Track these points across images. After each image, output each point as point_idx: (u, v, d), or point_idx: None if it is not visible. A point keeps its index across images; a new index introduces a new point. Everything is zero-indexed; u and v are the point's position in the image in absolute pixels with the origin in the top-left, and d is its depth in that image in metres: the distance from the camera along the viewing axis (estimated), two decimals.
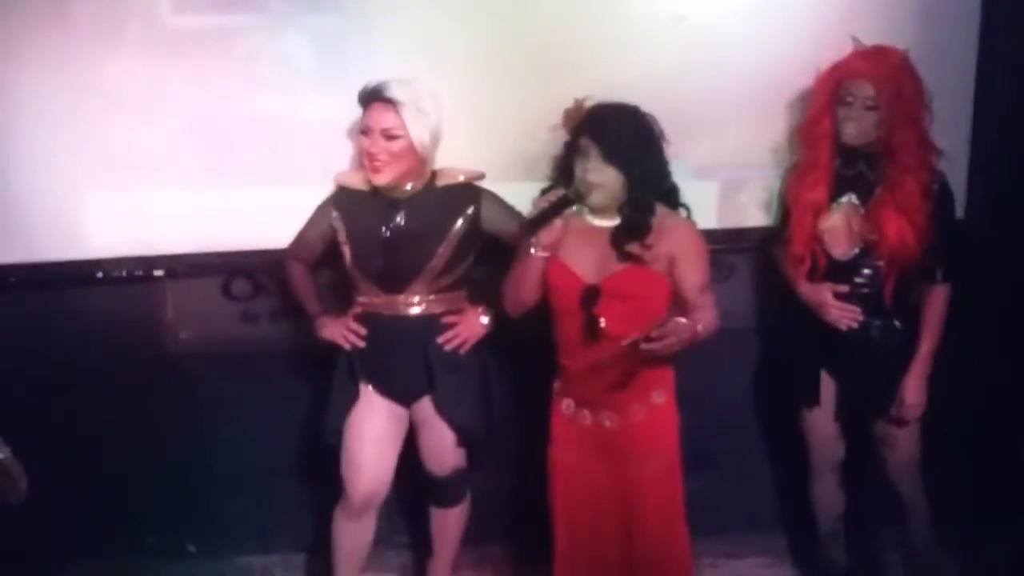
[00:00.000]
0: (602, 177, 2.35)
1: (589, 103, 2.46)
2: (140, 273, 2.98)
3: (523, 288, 2.46)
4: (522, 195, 2.68)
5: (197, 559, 3.32)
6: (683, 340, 2.22)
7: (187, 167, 2.90)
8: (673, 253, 2.38)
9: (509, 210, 2.69)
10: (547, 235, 2.37)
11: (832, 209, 2.66)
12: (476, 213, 2.66)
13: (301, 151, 2.87)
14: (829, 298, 2.66)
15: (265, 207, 2.91)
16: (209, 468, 3.15)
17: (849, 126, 2.56)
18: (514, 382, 3.03)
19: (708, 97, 2.89)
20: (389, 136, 2.55)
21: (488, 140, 2.86)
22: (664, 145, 2.42)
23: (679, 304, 2.38)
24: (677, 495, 2.55)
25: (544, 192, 2.48)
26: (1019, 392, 3.01)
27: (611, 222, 2.41)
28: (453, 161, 2.73)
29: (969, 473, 3.07)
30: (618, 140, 2.33)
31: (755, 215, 3.02)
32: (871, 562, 3.14)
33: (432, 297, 2.69)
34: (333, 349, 2.76)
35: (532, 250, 2.39)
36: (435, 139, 2.62)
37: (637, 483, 2.48)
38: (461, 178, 2.69)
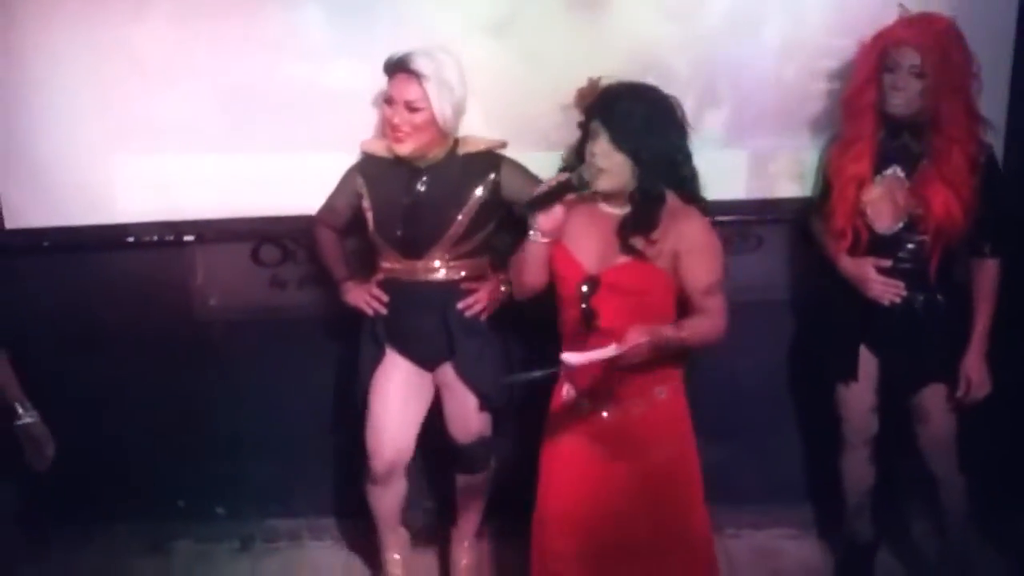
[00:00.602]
0: (610, 163, 2.21)
1: (605, 82, 2.34)
2: (170, 238, 3.00)
3: (525, 273, 2.38)
4: (549, 165, 2.64)
5: (225, 522, 3.37)
6: (660, 351, 2.17)
7: (217, 133, 2.91)
8: (679, 249, 2.25)
9: (531, 179, 2.67)
10: (546, 220, 2.26)
11: (876, 182, 2.60)
12: (496, 181, 2.67)
13: (330, 117, 2.87)
14: (872, 273, 2.61)
15: (294, 173, 2.92)
16: (237, 432, 3.18)
17: (894, 95, 2.49)
18: (539, 352, 3.02)
19: (739, 65, 2.86)
20: (412, 108, 2.57)
21: (517, 109, 2.84)
22: (684, 131, 2.28)
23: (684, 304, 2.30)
24: (692, 485, 2.45)
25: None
26: None
27: (621, 210, 2.29)
28: (482, 128, 2.73)
29: (1006, 452, 3.03)
30: (629, 124, 2.19)
31: (785, 186, 2.98)
32: (897, 536, 3.14)
33: (453, 263, 2.70)
34: (358, 315, 2.78)
35: (532, 235, 2.30)
36: (458, 112, 2.63)
37: (641, 474, 2.38)
38: (483, 146, 2.70)
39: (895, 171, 2.59)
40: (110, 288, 3.06)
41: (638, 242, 2.24)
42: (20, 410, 2.38)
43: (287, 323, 3.12)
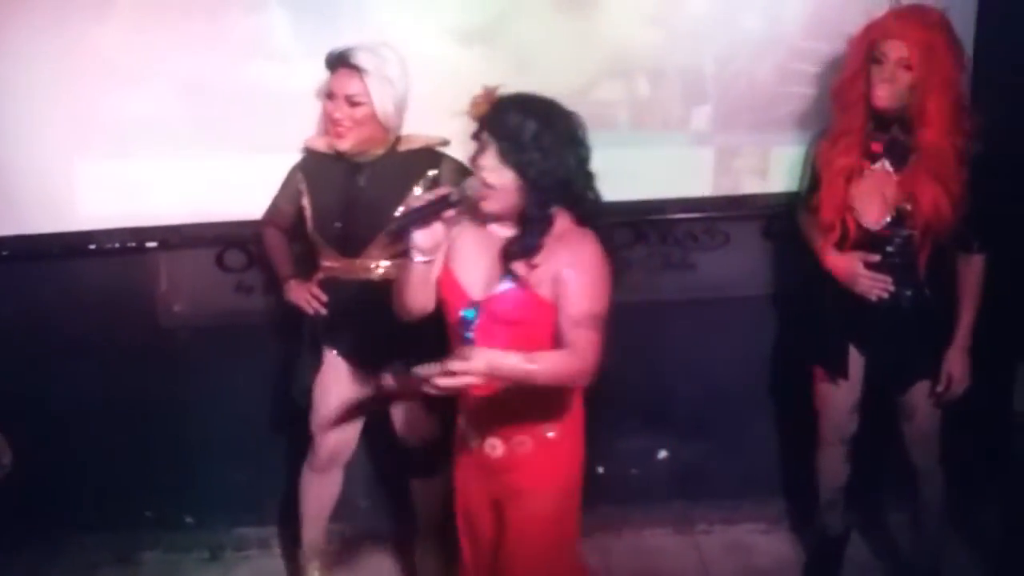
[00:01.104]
0: (499, 179, 2.01)
1: (502, 92, 2.08)
2: (133, 244, 2.96)
3: (406, 294, 2.15)
4: None
5: (195, 531, 3.33)
6: (502, 378, 1.94)
7: (180, 137, 2.87)
8: (559, 274, 2.02)
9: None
10: (424, 239, 2.04)
11: (864, 176, 2.58)
12: (435, 178, 2.64)
13: (295, 120, 2.83)
14: (860, 268, 2.58)
15: (259, 177, 2.86)
16: (205, 440, 3.15)
17: (881, 88, 2.45)
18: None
19: (711, 61, 2.89)
20: (352, 103, 2.56)
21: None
22: (580, 148, 2.06)
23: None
24: (563, 540, 2.29)
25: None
26: None
27: (510, 231, 2.10)
28: (436, 131, 2.71)
29: (976, 443, 3.06)
30: (519, 138, 1.98)
31: (751, 183, 3.00)
32: (871, 527, 3.18)
33: (391, 262, 2.65)
34: (300, 314, 2.76)
35: (410, 253, 2.08)
36: (400, 107, 2.62)
37: (515, 521, 2.21)
38: (423, 143, 2.69)
39: (884, 165, 2.57)
40: (73, 296, 3.02)
41: (520, 267, 2.05)
42: None
43: (253, 329, 3.09)
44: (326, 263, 2.72)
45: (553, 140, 2.00)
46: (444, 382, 1.85)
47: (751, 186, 3.01)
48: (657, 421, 3.27)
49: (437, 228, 2.04)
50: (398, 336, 2.58)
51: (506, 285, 2.07)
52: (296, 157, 2.79)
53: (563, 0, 2.83)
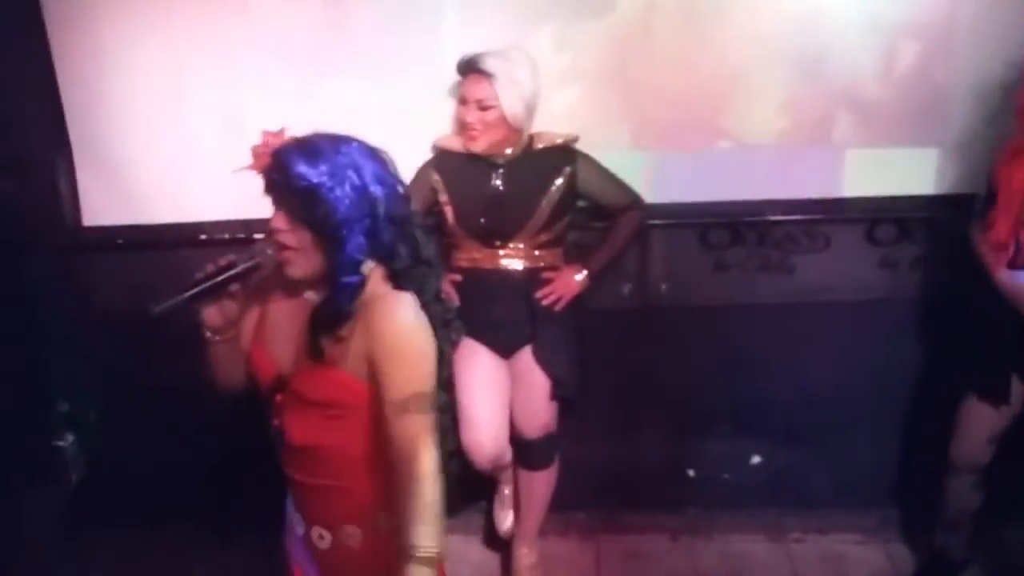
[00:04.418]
0: (296, 240, 1.71)
1: (288, 135, 1.77)
2: (242, 236, 3.03)
3: (215, 370, 1.91)
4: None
5: None
6: None
7: (288, 132, 2.93)
8: (371, 350, 1.71)
9: (604, 171, 2.81)
10: (214, 317, 1.80)
11: None
12: (573, 173, 2.76)
13: (401, 116, 2.89)
14: None
15: None
16: None
17: None
18: (605, 348, 3.04)
19: (812, 64, 2.86)
20: (483, 107, 2.67)
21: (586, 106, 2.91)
22: (386, 191, 1.72)
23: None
24: None
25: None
26: None
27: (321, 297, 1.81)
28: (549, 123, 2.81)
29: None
30: (308, 191, 1.66)
31: (853, 185, 2.96)
32: (991, 559, 3.02)
33: (533, 252, 2.78)
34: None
35: (204, 332, 1.84)
36: (529, 109, 2.72)
37: None
38: (559, 140, 2.79)
39: None
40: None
41: (327, 341, 1.76)
42: None
43: None
44: (466, 255, 2.81)
45: (348, 183, 1.68)
46: None
47: (853, 189, 2.96)
48: (751, 426, 3.23)
49: (228, 306, 1.79)
50: (539, 322, 2.76)
51: (312, 362, 1.78)
52: (401, 155, 2.81)
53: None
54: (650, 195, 2.88)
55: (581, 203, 2.83)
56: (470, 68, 2.69)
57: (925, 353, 3.08)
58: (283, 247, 1.72)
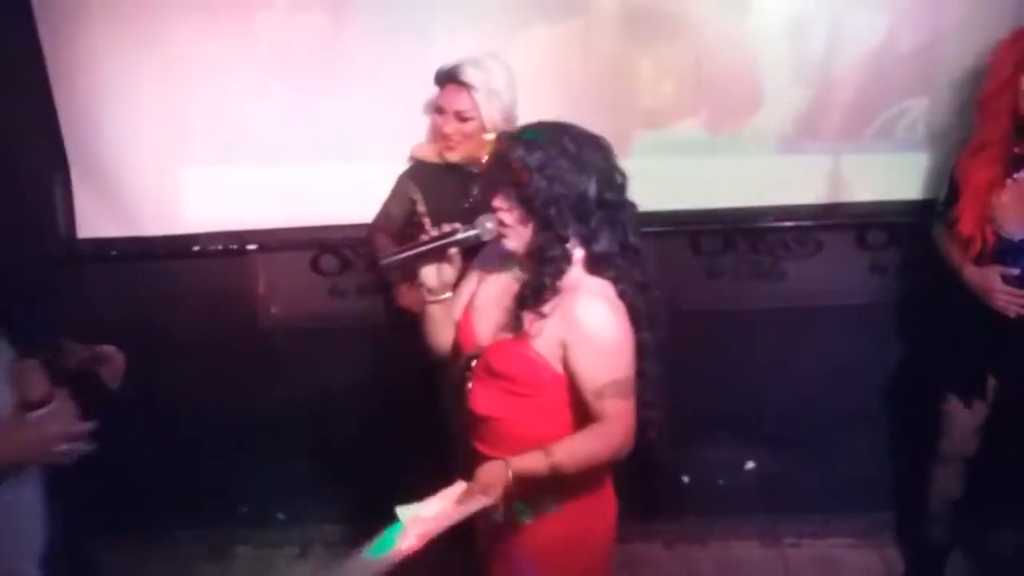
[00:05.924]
0: (512, 218, 1.89)
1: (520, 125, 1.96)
2: (234, 247, 3.07)
3: (428, 334, 2.06)
4: None
5: (286, 527, 3.41)
6: (527, 483, 1.81)
7: (280, 145, 2.96)
8: (565, 338, 1.84)
9: None
10: (429, 277, 1.96)
11: (1007, 186, 2.50)
12: None
13: (389, 128, 2.91)
14: (997, 283, 2.50)
15: (351, 185, 2.96)
16: (298, 438, 3.22)
17: None
18: None
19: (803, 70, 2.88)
20: (462, 118, 2.65)
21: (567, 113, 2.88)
22: (598, 173, 1.86)
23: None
24: None
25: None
26: None
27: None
28: None
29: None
30: (524, 173, 1.83)
31: (844, 191, 2.98)
32: (975, 544, 3.08)
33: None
34: (410, 318, 2.79)
35: (424, 292, 2.01)
36: (508, 117, 2.68)
37: None
38: None
39: None
40: (176, 296, 3.13)
41: (528, 316, 1.88)
42: None
43: (346, 332, 3.16)
44: None
45: (560, 167, 1.82)
46: (459, 515, 1.78)
47: (844, 194, 2.98)
48: (745, 431, 3.25)
49: (446, 271, 1.96)
50: None
51: (506, 335, 1.92)
52: (387, 165, 2.85)
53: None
54: (640, 202, 2.88)
55: None
56: (448, 79, 2.65)
57: (917, 356, 3.08)
58: (502, 224, 1.88)
